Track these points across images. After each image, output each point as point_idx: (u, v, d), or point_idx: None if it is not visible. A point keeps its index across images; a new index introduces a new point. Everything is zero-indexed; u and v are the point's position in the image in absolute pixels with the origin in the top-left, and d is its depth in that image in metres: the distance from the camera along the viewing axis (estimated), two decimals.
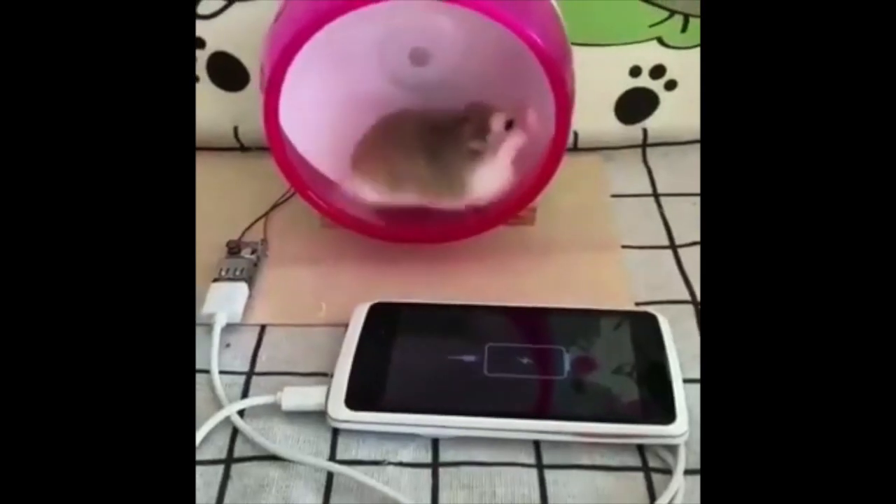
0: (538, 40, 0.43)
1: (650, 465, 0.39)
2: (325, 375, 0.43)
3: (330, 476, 0.39)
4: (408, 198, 0.49)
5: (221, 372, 0.44)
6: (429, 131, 0.48)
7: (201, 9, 0.56)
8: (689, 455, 0.39)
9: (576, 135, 0.60)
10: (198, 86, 0.59)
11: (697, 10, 0.57)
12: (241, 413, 0.41)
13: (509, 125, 0.47)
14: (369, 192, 0.49)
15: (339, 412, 0.40)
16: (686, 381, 0.41)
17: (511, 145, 0.48)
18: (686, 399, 0.40)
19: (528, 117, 0.47)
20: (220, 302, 0.47)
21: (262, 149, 0.54)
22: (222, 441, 0.40)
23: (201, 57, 0.58)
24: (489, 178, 0.48)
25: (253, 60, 0.57)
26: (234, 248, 0.50)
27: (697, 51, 0.58)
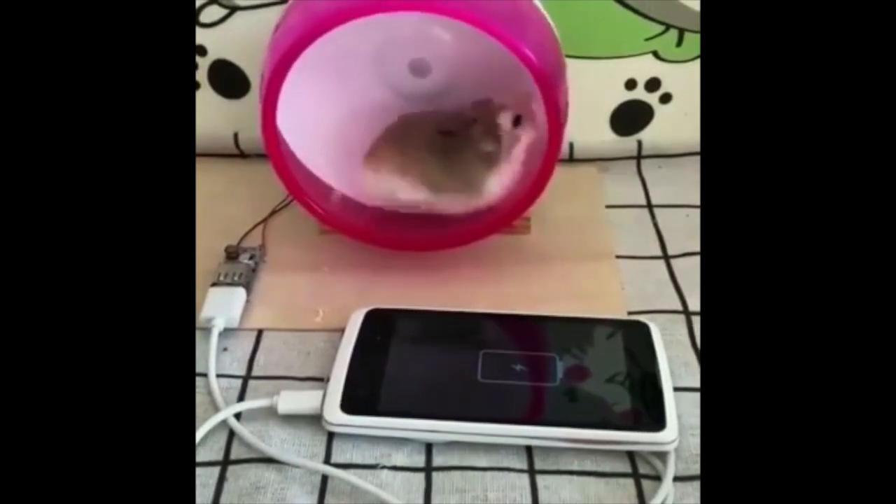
0: (532, 56, 0.44)
1: (640, 471, 0.39)
2: (321, 380, 0.43)
3: (324, 479, 0.39)
4: (418, 197, 0.49)
5: (219, 375, 0.44)
6: (439, 134, 0.48)
7: (203, 17, 0.57)
8: (678, 462, 0.39)
9: (571, 146, 0.60)
10: (199, 93, 0.60)
11: (693, 25, 0.57)
12: (237, 416, 0.42)
13: (517, 121, 0.47)
14: (378, 189, 0.50)
15: (335, 416, 0.40)
16: (676, 389, 0.42)
17: (524, 144, 0.48)
18: (676, 407, 0.40)
19: (535, 109, 0.47)
20: (219, 306, 0.47)
21: (261, 155, 0.55)
22: (219, 443, 0.41)
23: (203, 64, 0.59)
24: (504, 179, 0.49)
25: (253, 68, 0.58)
26: (232, 254, 0.51)
27: (692, 65, 0.59)
